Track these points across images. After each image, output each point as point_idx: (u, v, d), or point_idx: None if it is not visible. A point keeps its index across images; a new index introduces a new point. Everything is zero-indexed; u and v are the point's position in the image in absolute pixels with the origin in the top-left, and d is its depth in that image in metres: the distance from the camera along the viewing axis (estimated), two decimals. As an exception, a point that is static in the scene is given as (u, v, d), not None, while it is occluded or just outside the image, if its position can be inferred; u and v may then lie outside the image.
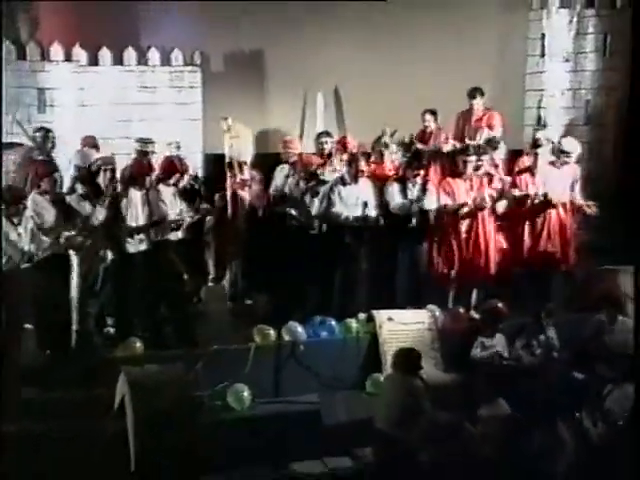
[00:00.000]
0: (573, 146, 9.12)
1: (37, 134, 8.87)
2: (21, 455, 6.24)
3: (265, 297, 8.98)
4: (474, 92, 9.91)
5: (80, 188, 7.96)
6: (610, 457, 6.42)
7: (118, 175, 8.23)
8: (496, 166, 9.33)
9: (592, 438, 6.69)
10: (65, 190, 8.14)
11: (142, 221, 7.94)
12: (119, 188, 8.06)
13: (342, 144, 9.41)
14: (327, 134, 9.50)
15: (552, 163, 9.11)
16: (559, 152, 9.09)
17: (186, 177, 8.63)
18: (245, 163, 9.17)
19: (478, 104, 9.94)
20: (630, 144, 10.28)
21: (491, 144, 9.33)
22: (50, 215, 7.60)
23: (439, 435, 6.24)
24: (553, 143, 9.34)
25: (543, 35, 10.66)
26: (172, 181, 8.31)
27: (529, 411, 6.68)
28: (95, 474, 6.14)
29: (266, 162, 9.64)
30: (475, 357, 7.69)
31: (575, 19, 10.58)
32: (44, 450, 6.32)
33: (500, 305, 7.91)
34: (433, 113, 9.96)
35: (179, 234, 8.20)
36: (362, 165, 8.68)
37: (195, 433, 6.24)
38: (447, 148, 9.68)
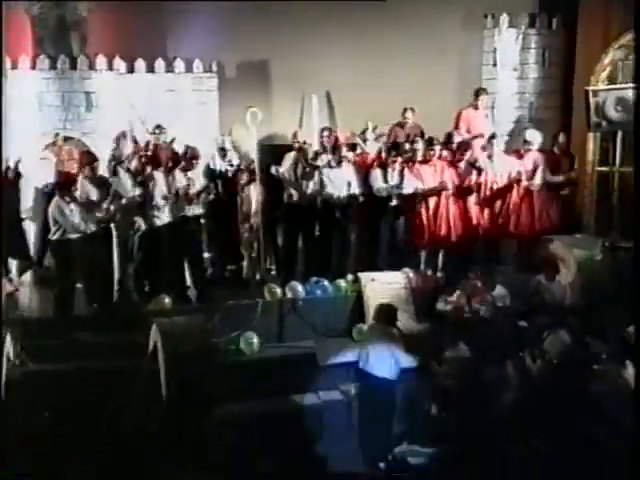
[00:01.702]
0: (534, 136, 8.96)
1: (156, 130, 8.76)
2: (75, 386, 6.23)
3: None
4: (481, 91, 9.65)
5: (120, 172, 7.87)
6: (546, 388, 6.40)
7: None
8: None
9: (532, 373, 6.65)
10: (107, 174, 8.01)
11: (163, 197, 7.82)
12: (148, 171, 7.97)
13: (333, 137, 9.16)
14: (329, 129, 9.21)
15: (514, 152, 9.04)
16: (523, 142, 8.95)
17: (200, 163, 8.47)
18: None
19: (484, 100, 9.68)
20: (565, 137, 10.14)
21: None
22: (93, 195, 7.52)
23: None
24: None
25: (495, 49, 10.67)
26: (187, 166, 8.00)
27: (484, 352, 6.64)
28: (134, 403, 6.08)
29: (270, 152, 9.50)
30: (440, 310, 7.62)
31: (521, 37, 10.65)
32: (93, 382, 6.27)
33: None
34: (412, 110, 9.59)
35: (196, 210, 7.98)
36: (345, 152, 8.61)
37: (213, 372, 6.18)
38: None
